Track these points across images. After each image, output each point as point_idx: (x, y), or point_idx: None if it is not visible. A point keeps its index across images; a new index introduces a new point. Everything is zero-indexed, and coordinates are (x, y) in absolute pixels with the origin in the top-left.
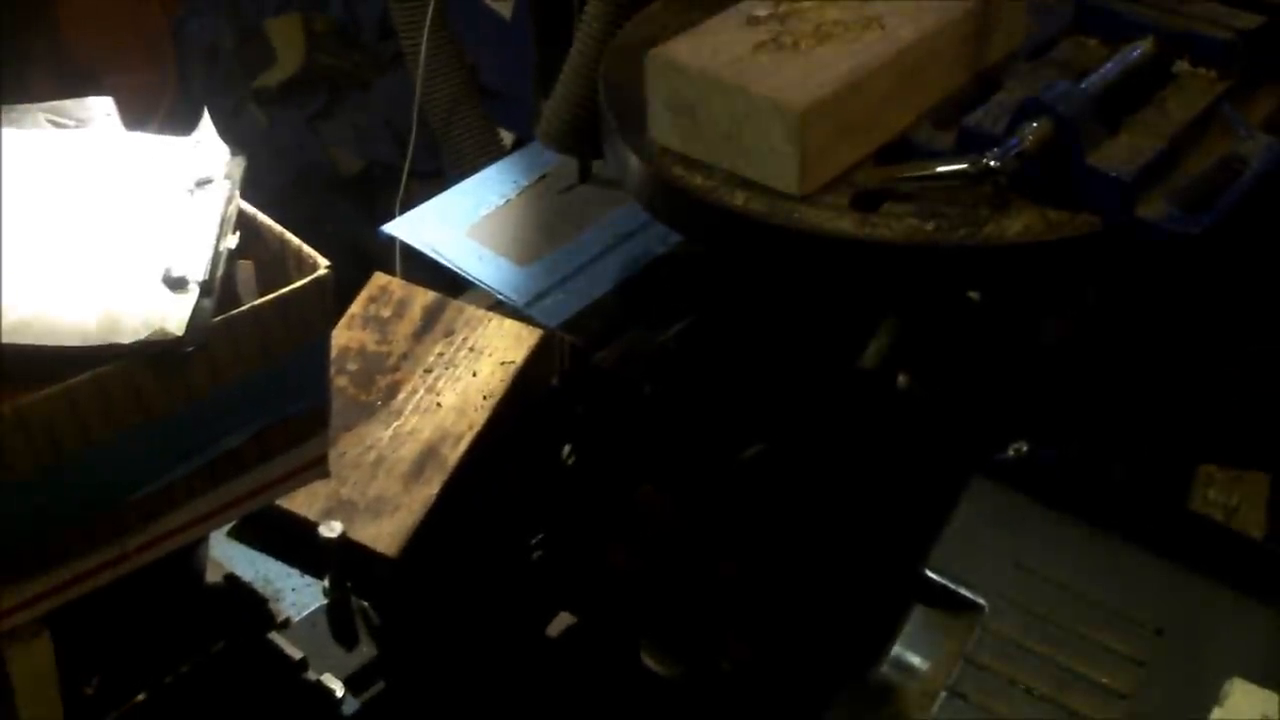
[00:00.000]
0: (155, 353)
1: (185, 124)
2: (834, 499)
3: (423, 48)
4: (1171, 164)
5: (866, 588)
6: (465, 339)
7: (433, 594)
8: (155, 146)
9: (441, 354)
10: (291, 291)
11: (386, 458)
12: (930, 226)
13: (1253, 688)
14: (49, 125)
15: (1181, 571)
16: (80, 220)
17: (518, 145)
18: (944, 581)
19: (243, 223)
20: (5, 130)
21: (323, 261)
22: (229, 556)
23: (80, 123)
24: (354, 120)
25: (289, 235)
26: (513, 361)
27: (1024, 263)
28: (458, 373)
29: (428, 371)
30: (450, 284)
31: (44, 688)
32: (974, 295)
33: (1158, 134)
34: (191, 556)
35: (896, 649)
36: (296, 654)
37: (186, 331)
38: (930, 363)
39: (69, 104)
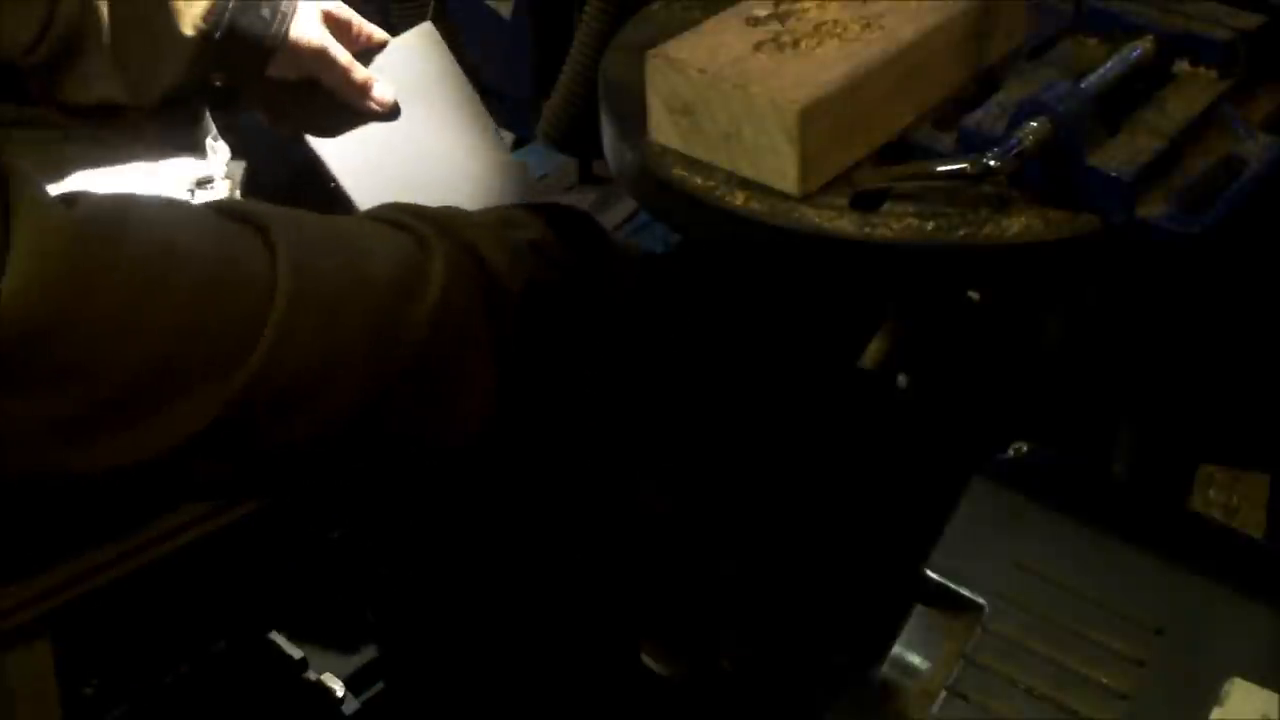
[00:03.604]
0: None
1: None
2: (834, 499)
3: None
4: (1171, 164)
5: (866, 588)
6: None
7: (432, 594)
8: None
9: None
10: None
11: None
12: (930, 226)
13: (1253, 688)
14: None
15: (1181, 571)
16: None
17: (518, 145)
18: (944, 581)
19: None
20: None
21: None
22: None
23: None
24: None
25: None
26: None
27: (1024, 263)
28: None
29: None
30: None
31: (43, 688)
32: (974, 295)
33: (1158, 134)
34: (192, 556)
35: (896, 649)
36: (296, 654)
37: None
38: (930, 363)
39: None
